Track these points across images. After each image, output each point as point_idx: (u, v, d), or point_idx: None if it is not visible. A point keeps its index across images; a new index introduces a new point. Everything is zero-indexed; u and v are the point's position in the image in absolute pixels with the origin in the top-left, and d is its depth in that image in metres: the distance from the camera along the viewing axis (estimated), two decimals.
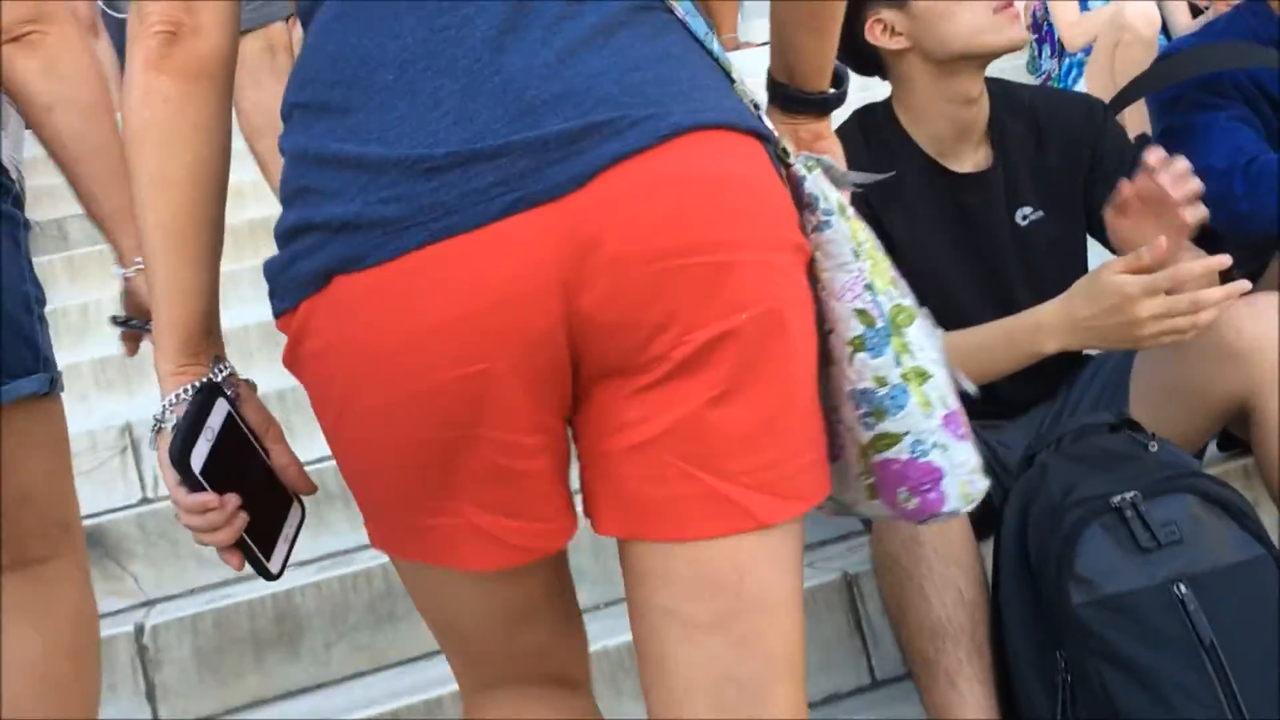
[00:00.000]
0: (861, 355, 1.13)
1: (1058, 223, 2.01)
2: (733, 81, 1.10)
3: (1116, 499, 1.56)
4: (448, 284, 0.99)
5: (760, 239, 1.03)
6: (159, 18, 1.09)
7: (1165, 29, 4.13)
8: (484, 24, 1.02)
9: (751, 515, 1.04)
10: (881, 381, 1.13)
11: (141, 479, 2.68)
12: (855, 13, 1.92)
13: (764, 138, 1.08)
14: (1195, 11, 4.21)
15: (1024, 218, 2.00)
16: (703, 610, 1.06)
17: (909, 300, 1.15)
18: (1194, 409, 1.85)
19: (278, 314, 1.07)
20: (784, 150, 1.15)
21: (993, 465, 1.92)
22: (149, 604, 2.44)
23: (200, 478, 1.08)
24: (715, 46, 1.10)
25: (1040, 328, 1.76)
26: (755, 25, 4.92)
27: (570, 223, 0.98)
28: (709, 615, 1.06)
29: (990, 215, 1.99)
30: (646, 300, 1.00)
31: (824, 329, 1.13)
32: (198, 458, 1.08)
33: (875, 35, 1.96)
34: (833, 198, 1.15)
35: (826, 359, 1.13)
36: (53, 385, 1.48)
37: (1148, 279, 1.66)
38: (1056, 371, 1.96)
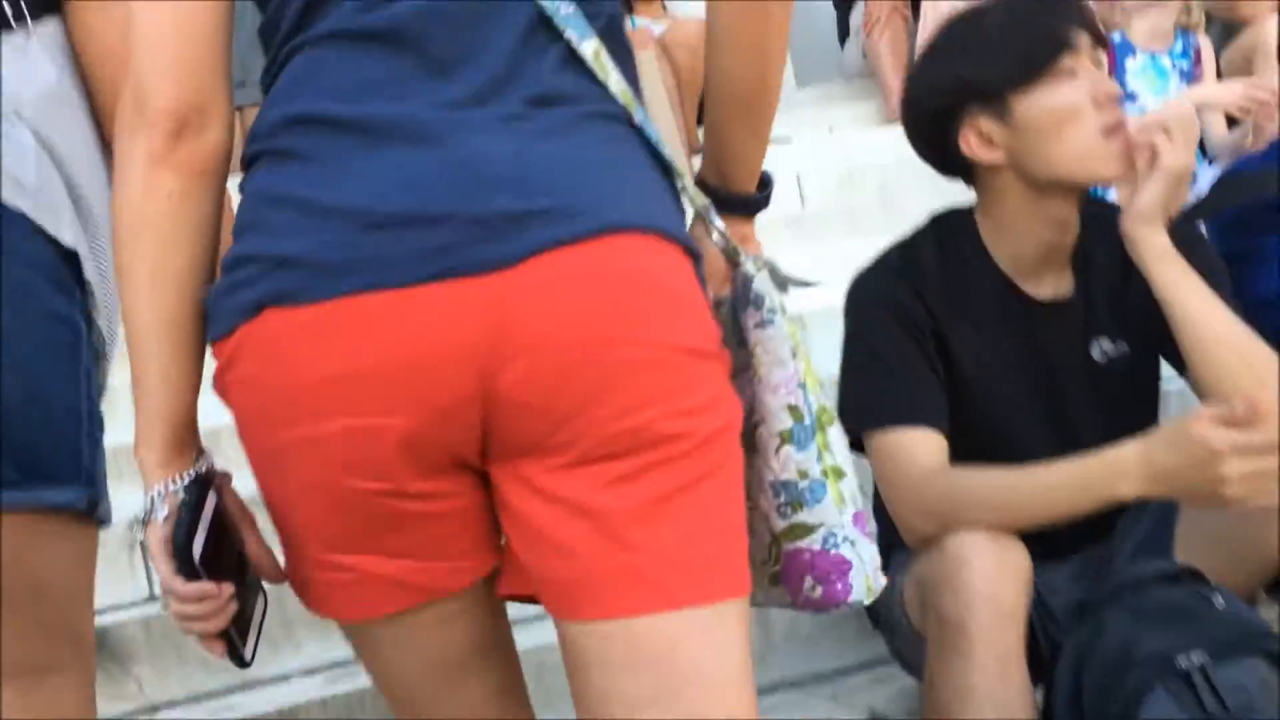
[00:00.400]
0: (788, 448, 1.19)
1: (1136, 357, 1.90)
2: (681, 188, 1.17)
3: (1183, 660, 1.47)
4: (370, 334, 1.02)
5: (675, 341, 1.07)
6: (166, 111, 1.10)
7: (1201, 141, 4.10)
8: (447, 110, 1.06)
9: (668, 593, 1.07)
10: (804, 474, 1.19)
11: (149, 576, 2.59)
12: (950, 117, 1.81)
13: (693, 253, 1.12)
14: (1230, 121, 4.17)
15: (1102, 353, 1.89)
16: (640, 685, 1.08)
17: (830, 404, 1.22)
18: (1247, 556, 1.75)
19: (212, 340, 1.10)
20: (733, 250, 1.23)
21: (1039, 610, 1.84)
22: (152, 709, 2.35)
23: (200, 567, 1.11)
24: (666, 152, 1.15)
25: (1117, 472, 1.61)
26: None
27: (495, 299, 1.02)
28: (648, 690, 1.08)
29: (1064, 348, 1.88)
30: (559, 386, 1.03)
31: (753, 421, 1.20)
32: (196, 546, 1.11)
33: (969, 145, 1.80)
34: (775, 298, 1.21)
35: (749, 450, 1.19)
36: (94, 508, 1.39)
37: (1240, 438, 1.51)
38: (1105, 511, 1.88)
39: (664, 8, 5.56)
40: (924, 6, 5.07)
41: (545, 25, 1.11)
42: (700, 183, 1.28)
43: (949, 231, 1.89)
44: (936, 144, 1.86)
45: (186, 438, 1.17)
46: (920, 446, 1.76)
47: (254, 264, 1.06)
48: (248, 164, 1.12)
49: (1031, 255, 1.86)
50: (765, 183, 1.31)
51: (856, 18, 5.62)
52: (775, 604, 1.26)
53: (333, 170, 1.06)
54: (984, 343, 1.85)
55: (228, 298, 1.07)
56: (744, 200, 1.29)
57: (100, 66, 1.44)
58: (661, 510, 1.06)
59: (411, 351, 1.03)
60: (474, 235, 1.02)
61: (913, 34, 5.33)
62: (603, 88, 1.12)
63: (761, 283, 1.22)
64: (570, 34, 1.11)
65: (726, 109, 1.25)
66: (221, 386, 1.10)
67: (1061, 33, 1.77)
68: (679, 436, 1.06)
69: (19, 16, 1.40)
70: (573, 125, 1.09)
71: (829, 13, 6.00)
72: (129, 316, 1.14)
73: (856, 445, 1.80)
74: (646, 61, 4.66)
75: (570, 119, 1.09)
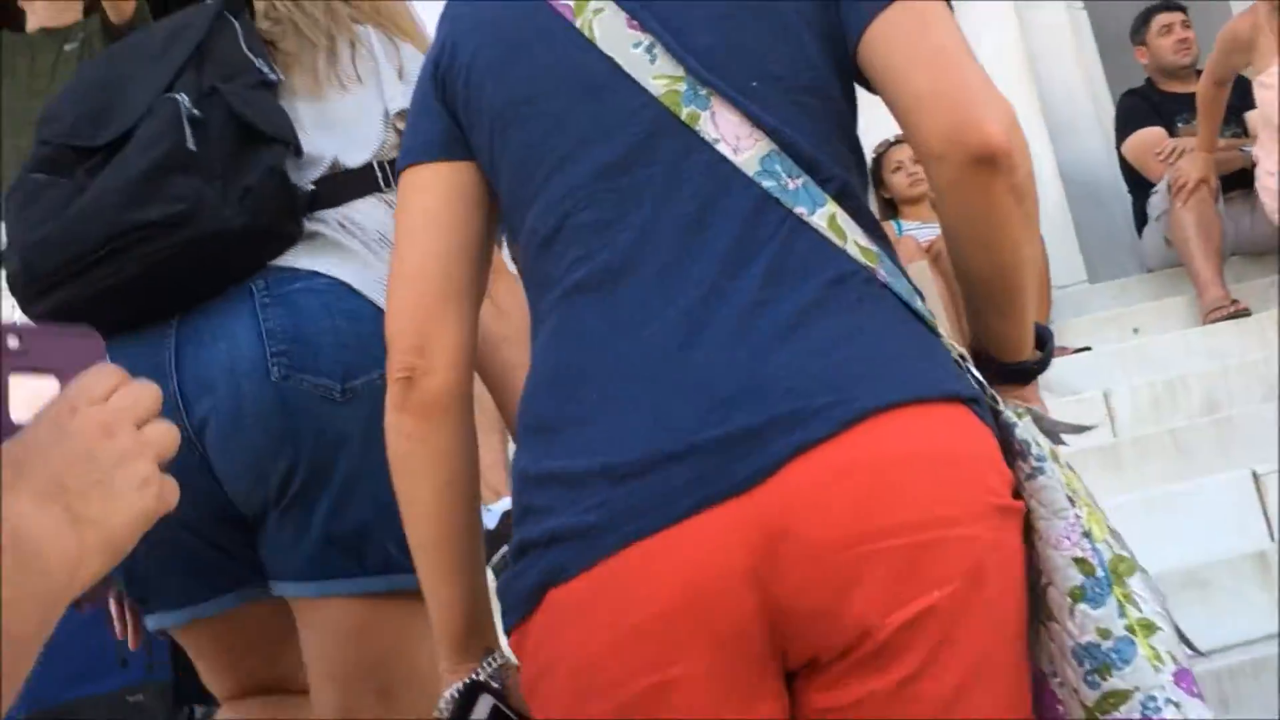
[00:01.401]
0: (1082, 606, 1.10)
1: None
2: (938, 336, 1.13)
3: None
4: (641, 585, 1.04)
5: (957, 513, 1.05)
6: (398, 365, 1.22)
7: None
8: (677, 326, 1.09)
9: None
10: (1105, 634, 1.09)
11: None
12: None
13: (966, 399, 1.10)
14: None
15: None
16: None
17: (1128, 552, 1.12)
18: None
19: (507, 631, 1.14)
20: (992, 398, 1.16)
21: None
22: None
23: None
24: (919, 305, 1.13)
25: None
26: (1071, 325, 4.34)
27: (757, 514, 1.03)
28: None
29: None
30: (841, 586, 1.02)
31: (1041, 583, 1.12)
32: None
33: None
34: (1044, 444, 1.15)
35: (1046, 615, 1.12)
36: None
37: None
38: None
39: (932, 206, 5.08)
40: (1259, 176, 4.39)
41: (773, 203, 1.13)
42: (971, 348, 1.23)
43: None
44: None
45: (470, 644, 1.24)
46: None
47: (530, 550, 1.11)
48: (519, 434, 1.19)
49: None
50: (1042, 341, 1.25)
51: (1156, 203, 4.97)
52: None
53: (579, 433, 1.10)
54: None
55: (511, 588, 1.13)
56: (1013, 369, 1.24)
57: None
58: (950, 701, 1.05)
59: (685, 591, 1.03)
60: (719, 460, 1.04)
61: (1222, 214, 4.69)
62: (843, 252, 1.12)
63: (1025, 430, 1.15)
64: (800, 209, 1.12)
65: (970, 294, 1.22)
66: (529, 691, 1.14)
67: None
68: (968, 612, 1.04)
69: (387, 182, 1.66)
70: (812, 303, 1.09)
71: (1121, 198, 5.38)
72: (408, 537, 1.25)
73: None
74: (919, 273, 4.23)
75: (809, 296, 1.10)
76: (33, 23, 3.40)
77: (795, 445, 1.03)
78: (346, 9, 1.72)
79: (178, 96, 1.54)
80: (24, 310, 1.59)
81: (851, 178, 1.18)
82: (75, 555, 0.67)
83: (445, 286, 1.22)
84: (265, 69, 1.62)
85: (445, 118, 1.25)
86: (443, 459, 1.22)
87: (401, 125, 1.62)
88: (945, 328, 3.64)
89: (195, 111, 1.53)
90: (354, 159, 1.66)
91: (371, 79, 1.70)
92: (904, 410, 1.06)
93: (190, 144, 1.51)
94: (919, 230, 4.79)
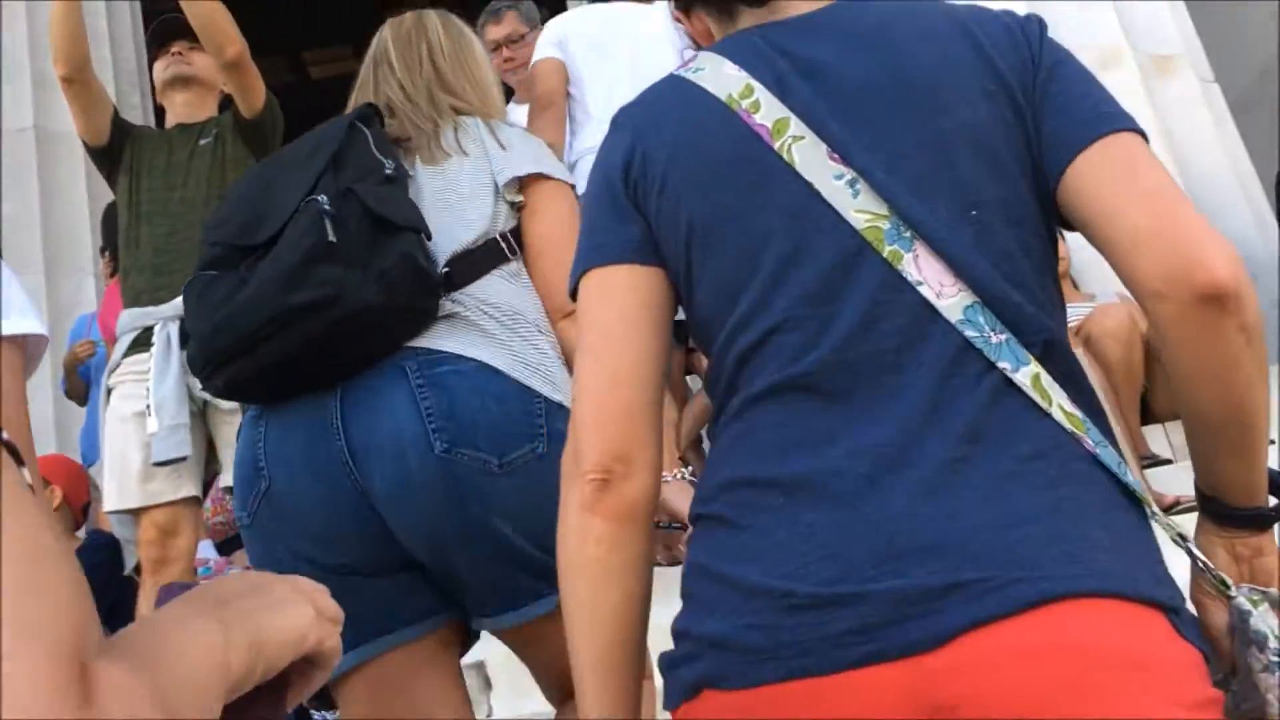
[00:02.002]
0: None
1: None
2: (1149, 514, 1.10)
3: None
4: None
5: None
6: (594, 465, 1.19)
7: None
8: (868, 462, 1.08)
9: None
10: None
11: None
12: None
13: (1165, 607, 1.03)
14: None
15: None
16: None
17: None
18: None
19: (668, 708, 1.15)
20: (1222, 581, 1.13)
21: None
22: None
23: None
24: (1129, 478, 1.08)
25: None
26: None
27: (923, 683, 1.00)
28: None
29: None
30: None
31: None
32: None
33: None
34: None
35: None
36: None
37: None
38: None
39: (1075, 285, 4.83)
40: None
41: (975, 355, 1.11)
42: (1198, 491, 1.18)
43: None
44: None
45: None
46: None
47: (691, 640, 1.12)
48: (692, 524, 1.20)
49: None
50: (1277, 487, 1.18)
51: None
52: None
53: (757, 540, 1.10)
54: None
55: (673, 672, 1.14)
56: (1250, 515, 1.16)
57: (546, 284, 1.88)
58: None
59: None
60: (891, 615, 1.02)
61: None
62: (1046, 416, 1.09)
63: (1261, 619, 1.10)
64: (1003, 364, 1.10)
65: (1199, 434, 1.15)
66: None
67: None
68: None
69: (512, 250, 1.88)
70: (1009, 471, 1.06)
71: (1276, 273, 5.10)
72: (571, 651, 1.20)
73: None
74: None
75: (1009, 459, 1.07)
76: (171, 119, 3.46)
77: (973, 618, 1.00)
78: (448, 99, 1.96)
79: (318, 198, 1.75)
80: (204, 386, 1.85)
81: (1057, 327, 1.16)
82: (219, 652, 0.68)
83: (642, 392, 1.22)
84: (391, 167, 1.82)
85: (640, 222, 1.25)
86: (630, 568, 1.19)
87: (510, 197, 1.89)
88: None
89: (330, 209, 1.73)
90: (476, 235, 1.84)
91: (477, 150, 1.90)
92: (1093, 602, 1.01)
93: (331, 237, 1.71)
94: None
